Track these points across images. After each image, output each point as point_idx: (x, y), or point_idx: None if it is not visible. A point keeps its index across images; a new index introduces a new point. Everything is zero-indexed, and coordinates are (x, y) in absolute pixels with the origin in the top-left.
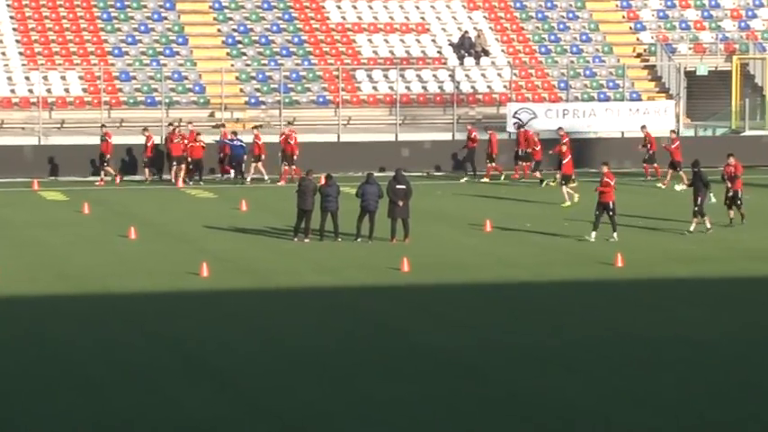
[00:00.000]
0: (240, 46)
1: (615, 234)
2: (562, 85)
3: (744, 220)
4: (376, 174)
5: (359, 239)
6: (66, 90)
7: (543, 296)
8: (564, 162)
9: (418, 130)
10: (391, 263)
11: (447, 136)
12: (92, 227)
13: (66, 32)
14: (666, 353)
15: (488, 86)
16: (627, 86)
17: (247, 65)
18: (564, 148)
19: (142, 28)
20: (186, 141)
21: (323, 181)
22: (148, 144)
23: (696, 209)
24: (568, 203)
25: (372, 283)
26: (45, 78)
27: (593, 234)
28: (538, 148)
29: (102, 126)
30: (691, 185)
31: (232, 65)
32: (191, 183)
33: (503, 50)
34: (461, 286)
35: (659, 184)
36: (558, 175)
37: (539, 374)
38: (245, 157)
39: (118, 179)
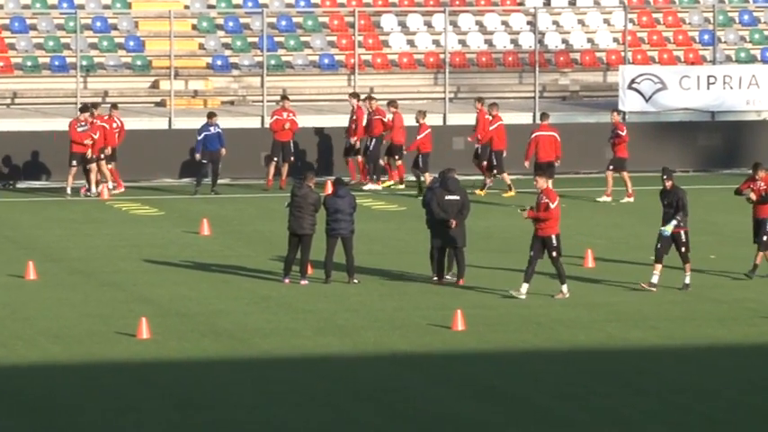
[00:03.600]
0: None
1: None
2: (706, 37)
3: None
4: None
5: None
6: None
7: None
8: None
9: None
10: (437, 317)
11: (525, 117)
12: None
13: None
14: None
15: (590, 40)
16: None
17: (210, 6)
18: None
19: None
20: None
21: (329, 189)
22: None
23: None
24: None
25: (408, 352)
26: None
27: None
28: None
29: None
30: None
31: (186, 6)
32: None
33: None
34: (550, 354)
35: None
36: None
37: None
38: (221, 151)
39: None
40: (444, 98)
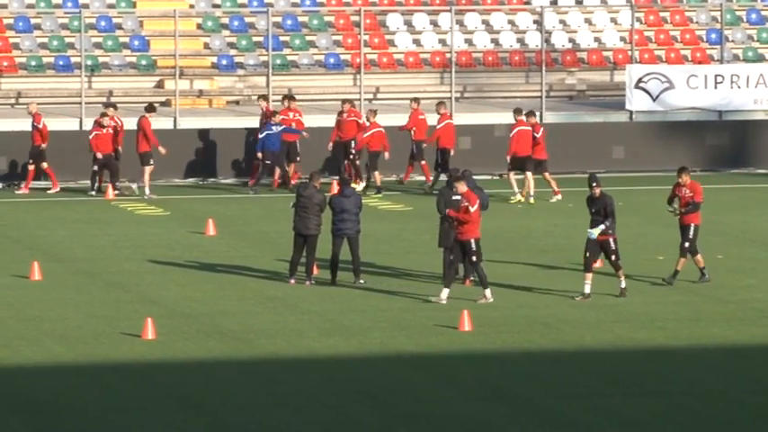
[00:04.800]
0: None
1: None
2: (714, 36)
3: (705, 274)
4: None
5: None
6: None
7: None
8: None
9: (485, 108)
10: (444, 318)
11: None
12: None
13: None
14: None
15: (596, 39)
16: None
17: (215, 5)
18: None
19: None
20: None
21: (335, 189)
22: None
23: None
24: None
25: (415, 352)
26: None
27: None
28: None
29: None
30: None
31: (191, 5)
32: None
33: None
34: (556, 355)
35: None
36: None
37: None
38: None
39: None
40: (450, 98)
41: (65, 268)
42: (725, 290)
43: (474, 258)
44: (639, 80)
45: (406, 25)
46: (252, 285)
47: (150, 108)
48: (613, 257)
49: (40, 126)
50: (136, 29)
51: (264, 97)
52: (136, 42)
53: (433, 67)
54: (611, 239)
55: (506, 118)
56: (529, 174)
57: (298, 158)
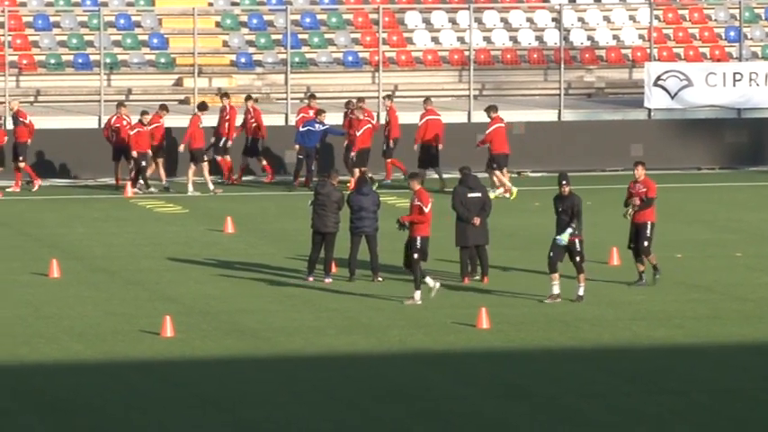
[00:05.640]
0: None
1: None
2: (732, 33)
3: (657, 274)
4: (429, 175)
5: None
6: None
7: (701, 371)
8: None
9: (504, 106)
10: (462, 316)
11: (550, 115)
12: None
13: None
14: None
15: (615, 37)
16: None
17: (234, 3)
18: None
19: None
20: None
21: (353, 186)
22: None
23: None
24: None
25: (432, 350)
26: None
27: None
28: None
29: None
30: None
31: (210, 3)
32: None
33: None
34: (574, 353)
35: None
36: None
37: None
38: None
39: (36, 184)
40: (469, 95)
41: (84, 266)
42: (743, 288)
43: (416, 256)
44: (658, 78)
45: (424, 23)
46: (270, 283)
47: (202, 106)
48: (578, 259)
49: (27, 122)
50: (155, 27)
51: (226, 95)
52: (155, 40)
53: (452, 65)
54: (576, 240)
55: (525, 116)
56: (505, 170)
57: (316, 156)
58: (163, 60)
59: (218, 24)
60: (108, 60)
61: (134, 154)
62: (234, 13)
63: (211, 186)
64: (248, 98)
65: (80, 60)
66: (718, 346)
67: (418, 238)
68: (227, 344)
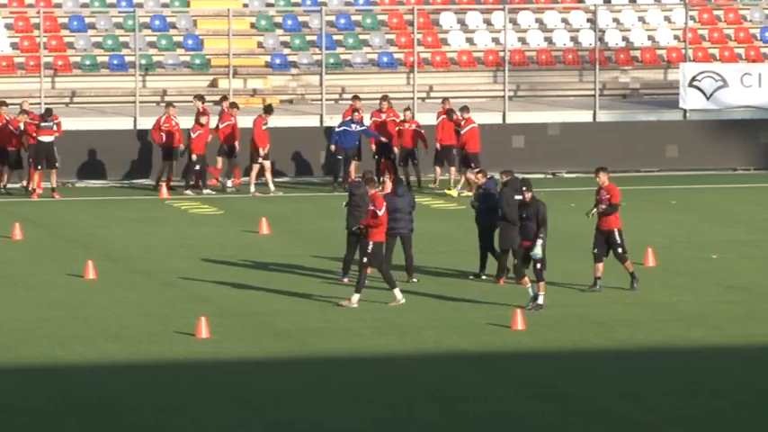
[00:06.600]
0: None
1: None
2: (767, 34)
3: (635, 282)
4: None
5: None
6: None
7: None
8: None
9: (538, 107)
10: (497, 317)
11: (585, 115)
12: (26, 260)
13: None
14: None
15: (650, 37)
16: None
17: (269, 4)
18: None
19: None
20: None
21: (388, 188)
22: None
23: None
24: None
25: (468, 351)
26: None
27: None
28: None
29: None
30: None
31: (245, 5)
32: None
33: None
34: (609, 354)
35: None
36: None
37: None
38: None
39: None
40: (504, 96)
41: (119, 267)
42: None
43: (364, 259)
44: (693, 78)
45: (459, 24)
46: (305, 284)
47: (268, 109)
48: (539, 266)
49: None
50: (190, 28)
51: (200, 97)
52: (190, 41)
53: (487, 66)
54: (539, 247)
55: (560, 116)
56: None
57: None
58: (198, 62)
59: (252, 25)
60: (143, 61)
61: (193, 157)
62: (269, 14)
63: (272, 187)
64: (223, 99)
65: (115, 61)
66: (755, 347)
67: (371, 243)
68: (261, 345)
